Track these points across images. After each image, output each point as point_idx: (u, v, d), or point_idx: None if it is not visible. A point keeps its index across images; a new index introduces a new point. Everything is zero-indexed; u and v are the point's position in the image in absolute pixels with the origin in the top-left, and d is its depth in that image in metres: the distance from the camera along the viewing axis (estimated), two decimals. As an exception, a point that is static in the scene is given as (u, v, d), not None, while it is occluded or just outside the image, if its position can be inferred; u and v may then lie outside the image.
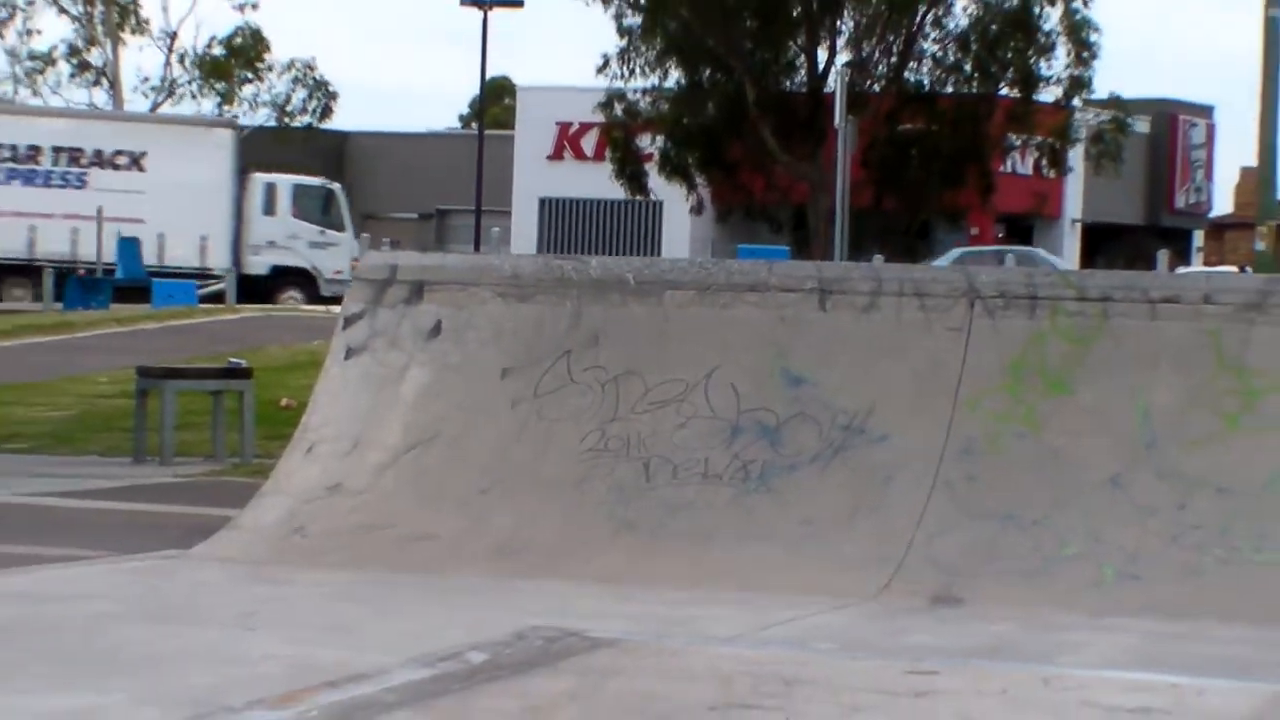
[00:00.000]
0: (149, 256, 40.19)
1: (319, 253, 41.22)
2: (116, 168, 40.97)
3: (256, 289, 38.18)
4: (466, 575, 7.73)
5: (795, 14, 40.60)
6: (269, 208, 41.97)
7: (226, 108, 52.16)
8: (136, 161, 40.73)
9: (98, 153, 41.08)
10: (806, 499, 8.27)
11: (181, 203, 39.32)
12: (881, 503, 8.18)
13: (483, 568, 7.83)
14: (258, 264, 41.44)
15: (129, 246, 42.51)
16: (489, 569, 7.80)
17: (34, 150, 40.61)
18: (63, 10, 49.02)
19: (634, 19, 40.87)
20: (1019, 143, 42.65)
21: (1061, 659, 6.25)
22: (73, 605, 7.27)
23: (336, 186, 43.89)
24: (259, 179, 42.67)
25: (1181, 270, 37.27)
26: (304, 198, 42.72)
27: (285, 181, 43.19)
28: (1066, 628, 7.04)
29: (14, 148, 40.49)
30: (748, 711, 4.80)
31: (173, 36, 50.25)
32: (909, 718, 4.82)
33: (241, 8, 52.35)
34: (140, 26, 50.61)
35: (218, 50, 52.56)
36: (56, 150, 40.83)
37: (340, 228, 42.55)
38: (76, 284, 39.49)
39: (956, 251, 41.87)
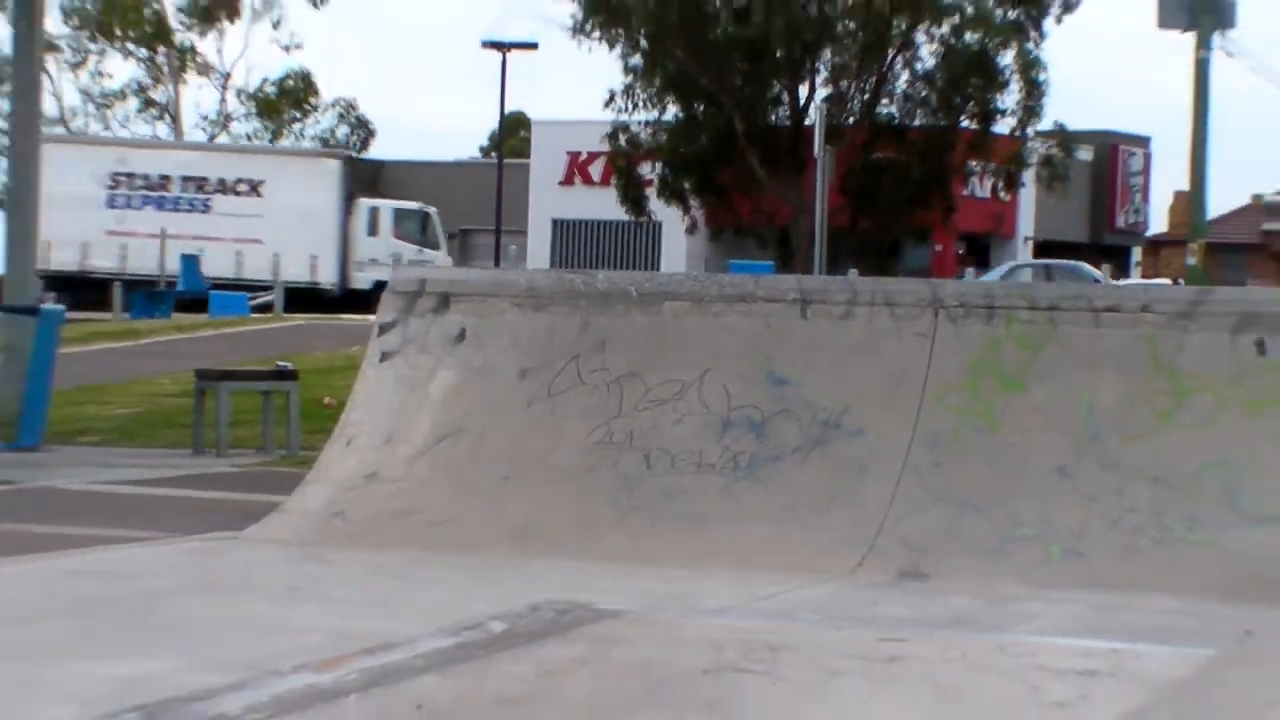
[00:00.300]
0: (265, 273, 40.34)
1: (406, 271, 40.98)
2: (238, 194, 41.28)
3: (361, 302, 38.33)
4: (488, 555, 7.72)
5: (779, 56, 40.60)
6: (372, 229, 41.98)
7: (277, 140, 52.28)
8: (255, 188, 40.96)
9: (221, 181, 41.46)
10: (789, 486, 8.26)
11: (295, 225, 39.53)
12: (856, 489, 8.17)
13: (502, 548, 7.82)
14: (362, 279, 41.22)
15: (190, 263, 42.66)
16: (508, 549, 7.80)
17: (165, 179, 41.11)
18: (129, 54, 49.08)
19: (636, 60, 40.92)
20: (978, 169, 42.71)
21: (1016, 628, 6.25)
22: (138, 581, 7.27)
23: (432, 210, 43.80)
24: (364, 203, 42.72)
25: (1121, 282, 37.30)
26: (403, 220, 42.79)
27: (387, 206, 43.21)
28: (1020, 600, 7.04)
29: (147, 176, 40.96)
30: (738, 675, 4.79)
31: (226, 76, 50.34)
32: (882, 680, 4.80)
33: (287, 49, 52.42)
34: (199, 67, 50.67)
35: (270, 89, 52.66)
36: (185, 179, 41.30)
37: (435, 246, 42.56)
38: (142, 296, 39.63)
39: (1007, 265, 42.36)
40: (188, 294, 40.14)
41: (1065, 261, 43.48)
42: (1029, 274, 40.13)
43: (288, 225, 39.51)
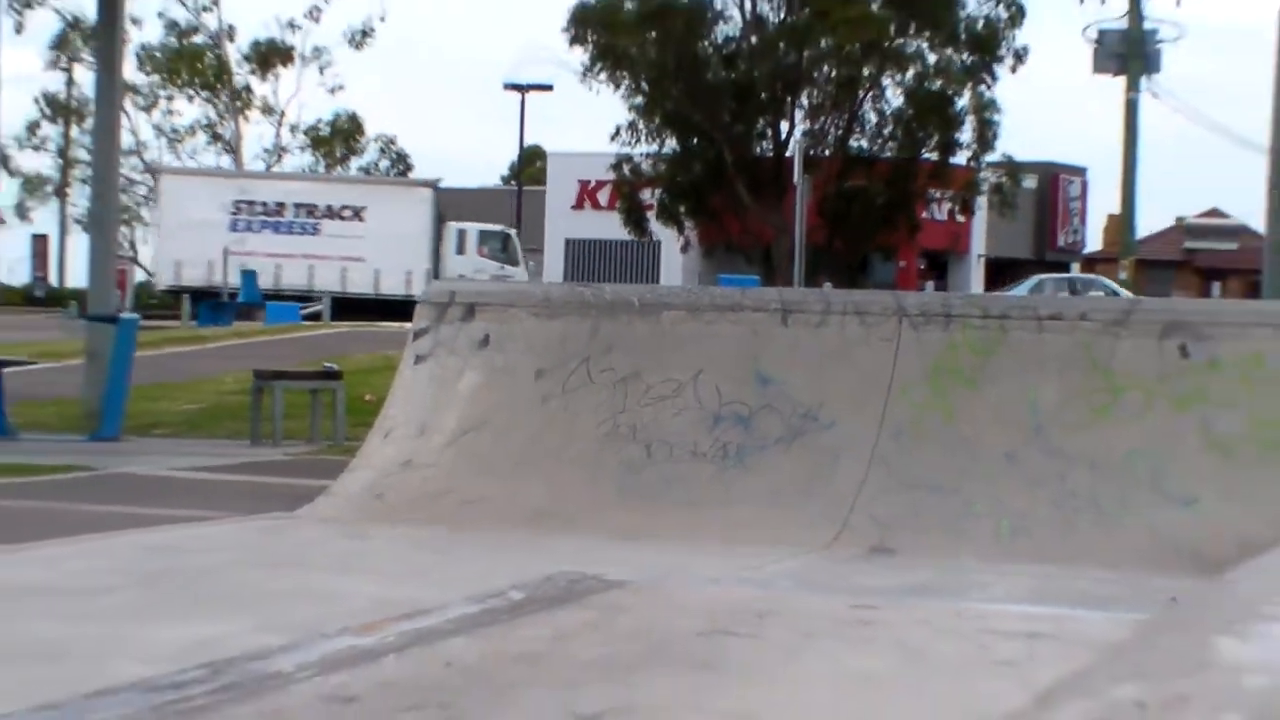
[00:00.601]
0: (367, 287, 40.42)
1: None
2: (343, 219, 41.47)
3: None
4: (508, 532, 7.73)
5: (763, 97, 40.69)
6: (460, 248, 41.77)
7: (330, 170, 52.37)
8: (358, 214, 41.14)
9: (328, 207, 41.69)
10: (773, 472, 8.26)
11: (392, 245, 39.56)
12: (831, 475, 8.17)
13: (521, 527, 7.83)
14: None
15: (249, 277, 42.70)
16: (526, 527, 7.80)
17: (279, 206, 41.31)
18: (193, 96, 49.13)
19: (638, 100, 40.97)
20: (937, 195, 42.78)
21: (971, 596, 6.25)
22: (205, 555, 7.27)
23: (513, 231, 43.62)
24: (452, 226, 42.57)
25: (1061, 297, 37.34)
26: (487, 240, 42.56)
27: (473, 228, 42.99)
28: (974, 571, 7.03)
29: (265, 204, 41.25)
30: (727, 637, 4.78)
31: (281, 114, 50.39)
32: (854, 642, 4.80)
33: (332, 91, 52.45)
34: (257, 106, 50.71)
35: (324, 128, 52.72)
36: (297, 206, 41.50)
37: (515, 263, 42.25)
38: (207, 306, 39.74)
39: (1036, 279, 42.10)
40: (247, 304, 40.25)
41: (1086, 275, 43.44)
42: (1051, 286, 39.84)
43: (386, 245, 39.58)
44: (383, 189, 43.95)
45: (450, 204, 51.34)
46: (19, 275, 52.80)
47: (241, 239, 41.06)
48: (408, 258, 39.69)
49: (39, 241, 53.66)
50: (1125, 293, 23.18)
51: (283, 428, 13.90)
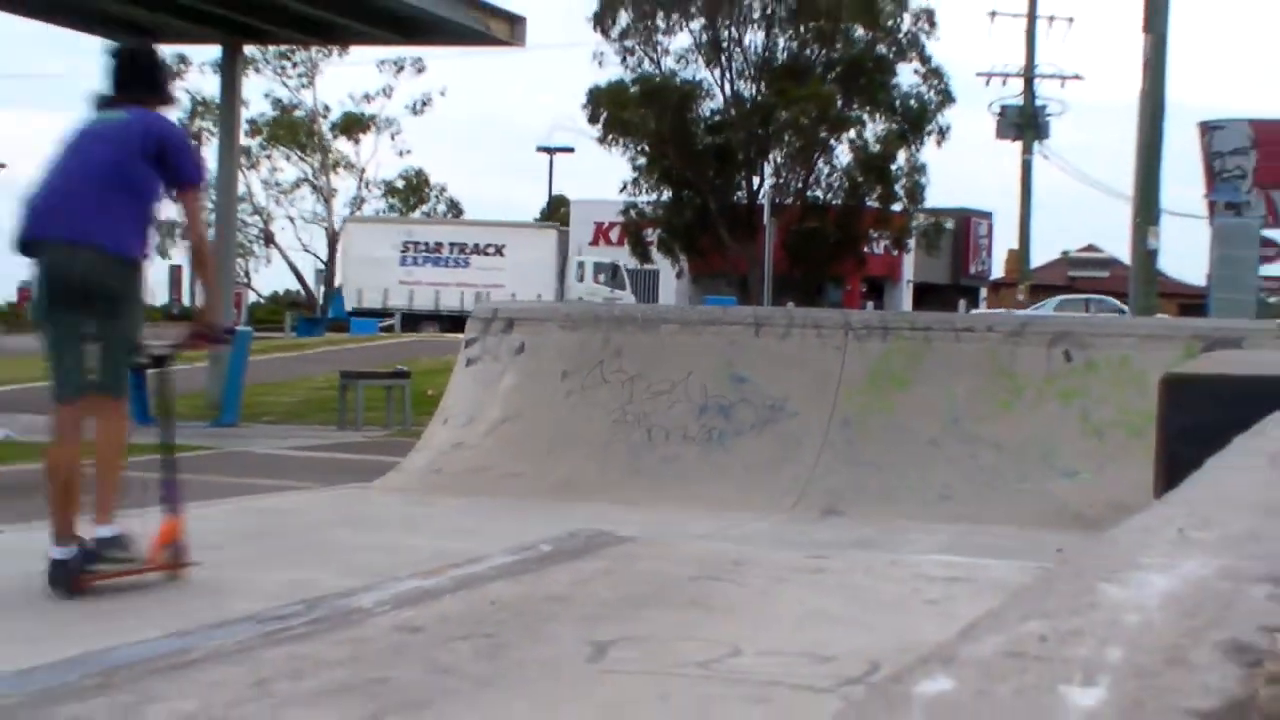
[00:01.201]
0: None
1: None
2: (487, 254, 41.17)
3: None
4: (539, 500, 7.74)
5: (739, 157, 40.88)
6: (580, 276, 41.00)
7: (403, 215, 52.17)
8: (499, 250, 40.86)
9: (476, 245, 41.41)
10: (747, 452, 8.27)
11: (527, 275, 39.03)
12: (793, 454, 8.18)
13: (549, 496, 7.84)
14: None
15: (338, 296, 42.76)
16: (553, 496, 7.82)
17: (439, 245, 41.23)
18: (290, 156, 49.09)
19: (641, 160, 41.19)
20: (877, 235, 42.84)
21: (903, 549, 6.26)
22: (300, 516, 7.29)
23: (621, 262, 42.60)
24: (574, 258, 41.99)
25: (973, 312, 37.32)
26: (600, 270, 41.61)
27: (589, 260, 42.19)
28: (906, 530, 7.04)
29: (427, 244, 41.11)
30: (712, 581, 4.77)
31: (362, 171, 50.29)
32: (810, 584, 4.79)
33: (401, 154, 52.42)
34: (343, 164, 50.61)
35: (398, 183, 52.57)
36: (452, 244, 41.34)
37: (623, 287, 41.23)
38: (304, 320, 39.78)
39: (1058, 299, 41.13)
40: (335, 319, 40.30)
41: (1098, 295, 42.97)
42: (1070, 305, 38.80)
43: (522, 274, 39.09)
44: (520, 231, 43.38)
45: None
46: (160, 297, 53.01)
47: (409, 272, 40.98)
48: (538, 284, 39.02)
49: (174, 271, 53.79)
50: (1128, 310, 22.81)
51: (363, 417, 13.92)
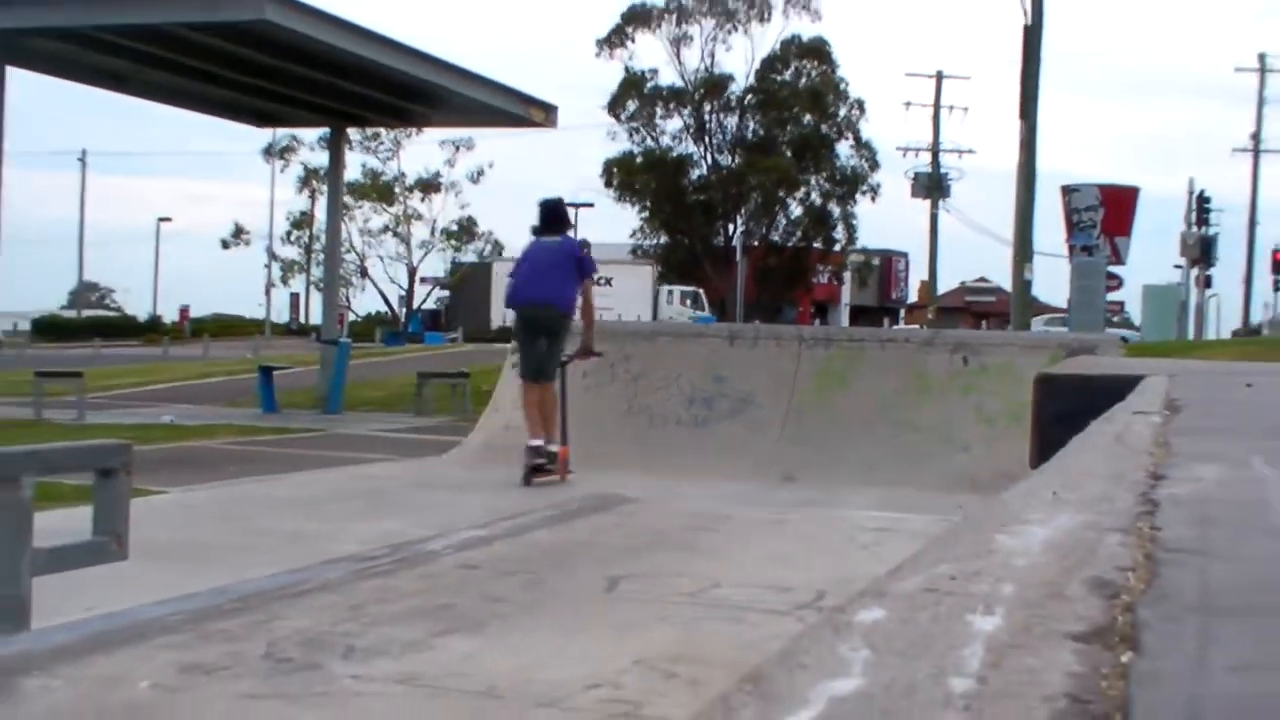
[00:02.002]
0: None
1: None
2: (599, 284, 39.50)
3: None
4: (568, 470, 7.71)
5: (719, 211, 41.02)
6: (669, 300, 39.75)
7: (455, 255, 51.39)
8: (608, 281, 37.71)
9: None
10: (725, 434, 8.26)
11: (629, 300, 37.50)
12: (759, 436, 8.17)
13: (575, 467, 7.81)
14: None
15: (416, 317, 42.67)
16: (577, 467, 7.78)
17: None
18: (376, 211, 48.69)
19: (645, 213, 41.28)
20: (822, 269, 42.91)
21: (843, 506, 6.24)
22: (386, 481, 7.27)
23: (700, 291, 40.75)
24: (664, 288, 40.49)
25: (895, 327, 37.27)
26: (686, 296, 40.14)
27: (676, 288, 40.57)
28: (844, 492, 7.02)
29: None
30: (699, 531, 4.74)
31: (434, 221, 49.98)
32: (772, 534, 4.76)
33: (462, 207, 52.03)
34: (418, 218, 50.27)
35: (453, 227, 52.05)
36: None
37: (702, 308, 39.53)
38: (389, 333, 39.69)
39: (1045, 318, 38.97)
40: (414, 333, 40.21)
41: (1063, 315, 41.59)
42: (1053, 322, 35.83)
43: (625, 300, 37.25)
44: (624, 266, 40.78)
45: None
46: (283, 317, 53.05)
47: None
48: (637, 308, 37.80)
49: (294, 298, 53.87)
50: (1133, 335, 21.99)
51: (434, 406, 13.91)
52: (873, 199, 41.36)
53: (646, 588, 3.50)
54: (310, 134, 42.06)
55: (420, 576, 3.62)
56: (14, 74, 10.80)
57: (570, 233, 7.90)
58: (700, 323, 27.92)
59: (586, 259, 7.55)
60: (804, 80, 40.35)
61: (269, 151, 47.40)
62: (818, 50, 40.38)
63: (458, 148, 46.28)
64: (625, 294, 38.52)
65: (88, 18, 10.37)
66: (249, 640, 2.64)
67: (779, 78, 40.40)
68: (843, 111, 40.83)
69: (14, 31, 10.41)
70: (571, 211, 46.04)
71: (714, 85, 40.78)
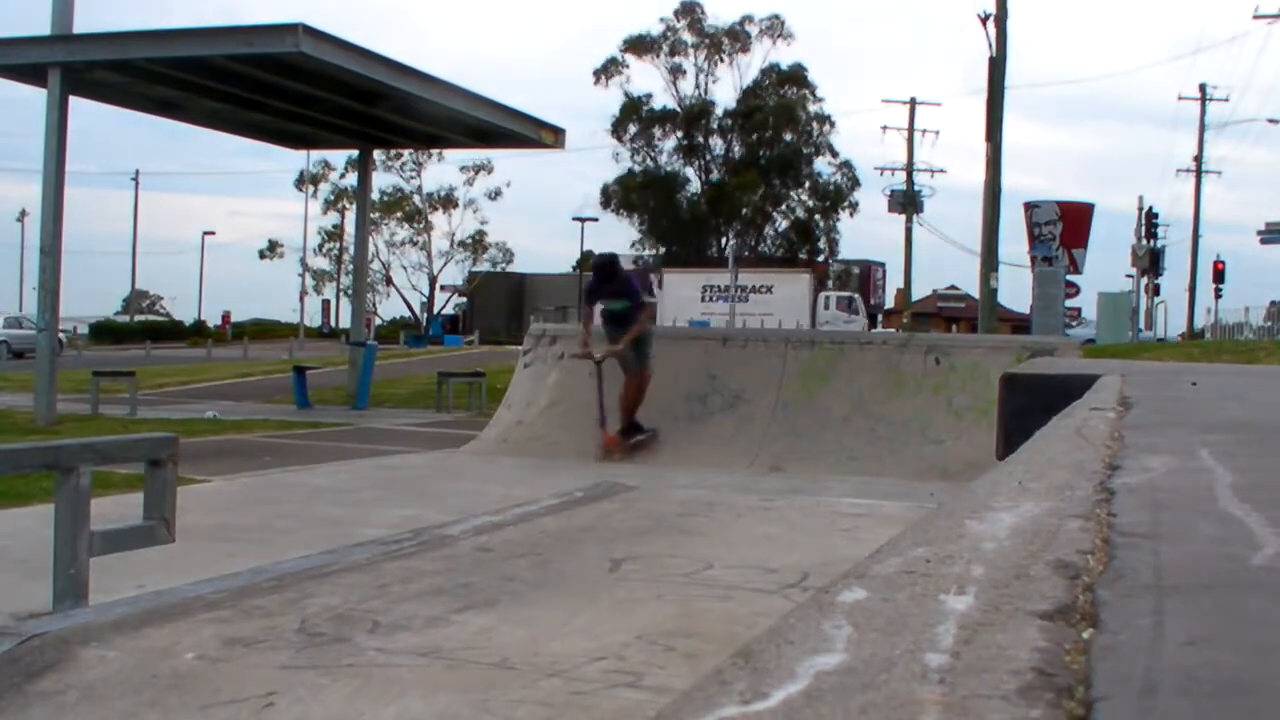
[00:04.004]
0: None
1: (849, 326, 35.54)
2: (760, 292, 38.37)
3: None
4: (574, 461, 7.71)
5: (711, 224, 40.98)
6: (826, 306, 38.47)
7: (472, 266, 51.10)
8: (769, 289, 38.27)
9: (753, 285, 38.61)
10: (717, 428, 8.23)
11: (788, 307, 36.56)
12: (748, 429, 8.14)
13: (580, 458, 7.82)
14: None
15: (436, 321, 42.60)
16: (583, 458, 7.79)
17: (727, 287, 38.28)
18: (401, 225, 48.46)
19: (644, 226, 41.27)
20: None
21: (824, 494, 6.20)
22: (409, 471, 7.24)
23: (856, 296, 39.87)
24: (821, 294, 39.35)
25: (873, 330, 37.19)
26: (840, 301, 38.91)
27: (833, 294, 39.54)
28: (826, 481, 6.99)
29: (718, 286, 38.29)
30: (693, 516, 4.73)
31: (452, 234, 49.72)
32: (760, 518, 4.74)
33: (482, 220, 51.84)
34: (438, 231, 50.10)
35: (467, 239, 51.80)
36: (736, 286, 38.23)
37: (857, 313, 38.58)
38: (411, 336, 39.65)
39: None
40: (434, 336, 40.13)
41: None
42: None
43: (785, 306, 36.58)
44: (784, 274, 40.01)
45: (542, 287, 50.55)
46: (316, 322, 53.06)
47: (707, 306, 38.19)
48: (796, 314, 36.47)
49: (325, 304, 53.86)
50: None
51: (453, 403, 13.87)
52: (851, 214, 41.44)
53: (646, 568, 3.49)
54: (339, 159, 42.09)
55: (440, 558, 3.61)
56: (75, 102, 10.81)
57: (629, 272, 8.88)
58: (695, 326, 27.79)
59: (642, 287, 8.60)
60: (780, 102, 40.48)
61: (301, 180, 47.44)
62: (794, 76, 40.57)
63: (478, 170, 46.23)
64: (785, 301, 37.43)
65: (141, 51, 10.40)
66: (284, 615, 2.64)
67: (759, 102, 40.53)
68: (816, 128, 40.95)
69: (77, 64, 10.44)
70: (578, 224, 44.73)
71: (703, 110, 40.90)
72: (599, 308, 8.42)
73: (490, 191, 47.57)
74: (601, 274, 8.50)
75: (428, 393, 15.01)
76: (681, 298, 38.09)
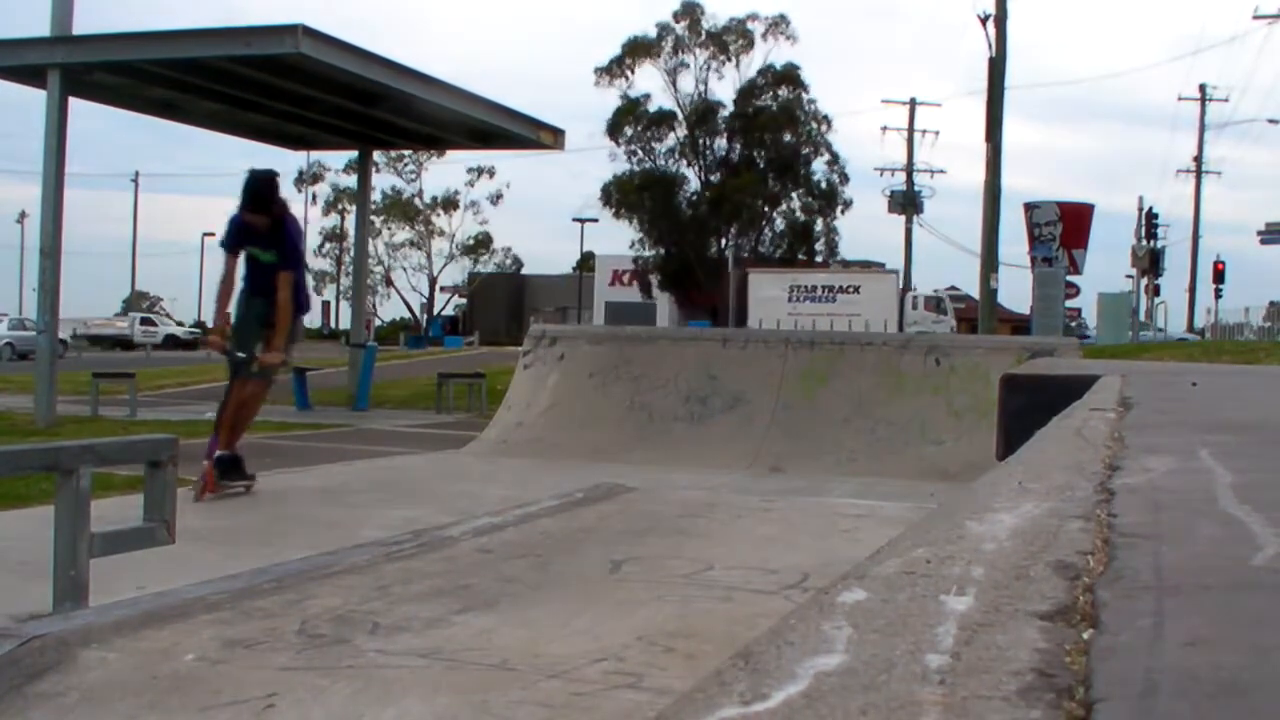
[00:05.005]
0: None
1: (937, 327, 34.75)
2: (848, 293, 37.32)
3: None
4: (574, 462, 7.68)
5: (710, 225, 41.01)
6: (914, 307, 37.27)
7: (473, 268, 51.09)
8: (857, 289, 37.27)
9: (841, 286, 37.65)
10: (718, 428, 8.23)
11: (875, 307, 35.65)
12: (748, 430, 8.13)
13: (581, 459, 7.78)
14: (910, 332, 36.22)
15: (436, 323, 42.64)
16: (583, 459, 7.76)
17: (813, 287, 37.41)
18: (402, 227, 48.48)
19: (644, 227, 41.31)
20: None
21: (825, 495, 6.20)
22: (409, 472, 7.24)
23: (945, 295, 38.68)
24: (909, 294, 38.40)
25: (873, 331, 36.93)
26: (929, 301, 37.84)
27: (920, 295, 38.35)
28: (826, 481, 6.99)
29: (805, 287, 37.31)
30: (693, 518, 4.72)
31: (453, 236, 49.81)
32: (760, 519, 4.74)
33: (482, 221, 51.93)
34: (439, 233, 50.13)
35: (471, 242, 51.86)
36: (823, 287, 37.53)
37: (946, 314, 37.41)
38: (412, 337, 39.67)
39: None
40: (435, 337, 40.15)
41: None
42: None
43: (873, 307, 35.57)
44: (871, 275, 39.42)
45: (542, 288, 50.60)
46: (315, 323, 53.05)
47: (794, 307, 36.99)
48: (884, 314, 35.62)
49: (325, 305, 53.85)
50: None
51: (453, 404, 13.85)
52: (844, 211, 41.37)
53: (646, 569, 3.49)
54: (336, 161, 42.08)
55: (440, 559, 3.61)
56: (74, 103, 10.81)
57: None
58: (693, 327, 27.68)
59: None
60: (777, 103, 40.48)
61: (300, 179, 47.46)
62: (790, 76, 40.60)
63: (480, 173, 46.30)
64: (873, 301, 36.58)
65: (141, 53, 10.40)
66: (284, 617, 2.64)
67: (757, 102, 40.55)
68: (814, 127, 40.97)
69: (76, 66, 10.44)
70: (578, 225, 44.37)
71: (703, 111, 40.92)
72: (243, 257, 5.68)
73: (491, 195, 47.68)
74: (254, 200, 5.54)
75: (428, 394, 15.00)
76: (768, 299, 37.18)
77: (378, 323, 49.16)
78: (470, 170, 45.83)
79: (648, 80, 48.74)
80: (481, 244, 49.68)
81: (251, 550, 4.27)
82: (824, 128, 40.62)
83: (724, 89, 45.04)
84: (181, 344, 38.40)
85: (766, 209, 41.03)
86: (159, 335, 40.88)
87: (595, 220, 48.34)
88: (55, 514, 3.13)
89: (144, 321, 42.20)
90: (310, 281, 50.95)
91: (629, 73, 40.44)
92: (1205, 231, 53.12)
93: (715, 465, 7.54)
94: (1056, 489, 1.40)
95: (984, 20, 20.41)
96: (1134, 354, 16.92)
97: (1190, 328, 40.92)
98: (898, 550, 1.04)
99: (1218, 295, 36.10)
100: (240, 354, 5.71)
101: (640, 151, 41.46)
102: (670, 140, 41.41)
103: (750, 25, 40.32)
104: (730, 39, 40.34)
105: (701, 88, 41.13)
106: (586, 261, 54.13)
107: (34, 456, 3.30)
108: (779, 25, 39.99)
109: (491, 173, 45.86)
